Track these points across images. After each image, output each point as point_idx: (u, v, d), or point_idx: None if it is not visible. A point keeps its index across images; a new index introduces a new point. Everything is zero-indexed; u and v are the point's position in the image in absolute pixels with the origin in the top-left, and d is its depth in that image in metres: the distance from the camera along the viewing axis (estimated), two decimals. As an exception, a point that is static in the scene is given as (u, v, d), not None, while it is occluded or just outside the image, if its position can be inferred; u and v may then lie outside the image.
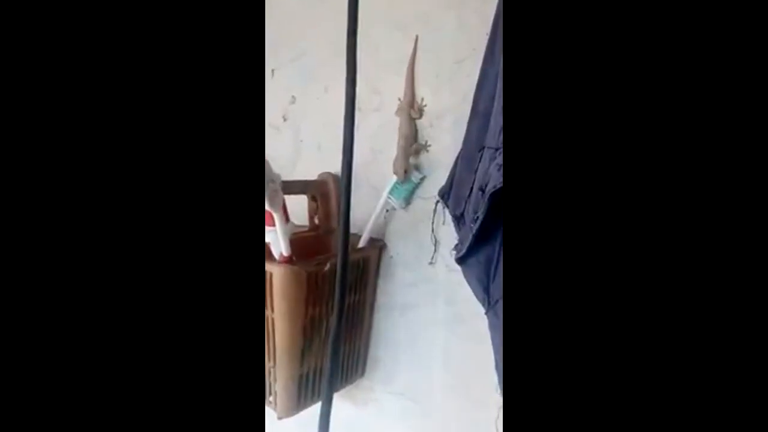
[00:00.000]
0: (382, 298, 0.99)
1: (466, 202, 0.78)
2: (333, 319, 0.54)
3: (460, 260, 0.78)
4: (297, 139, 1.17)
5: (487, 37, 0.72)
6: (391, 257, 0.98)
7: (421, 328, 0.93)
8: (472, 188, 0.75)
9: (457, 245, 0.81)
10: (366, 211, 0.94)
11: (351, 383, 1.05)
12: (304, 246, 0.98)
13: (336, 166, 1.14)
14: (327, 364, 0.48)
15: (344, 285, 0.50)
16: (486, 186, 0.61)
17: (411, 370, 0.96)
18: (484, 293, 0.76)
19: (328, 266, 0.87)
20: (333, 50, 1.06)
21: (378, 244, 1.01)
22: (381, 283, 1.00)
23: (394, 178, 0.89)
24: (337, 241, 0.36)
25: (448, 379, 0.89)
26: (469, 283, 0.80)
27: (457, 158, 0.79)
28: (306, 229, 1.08)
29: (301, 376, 0.89)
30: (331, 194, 1.05)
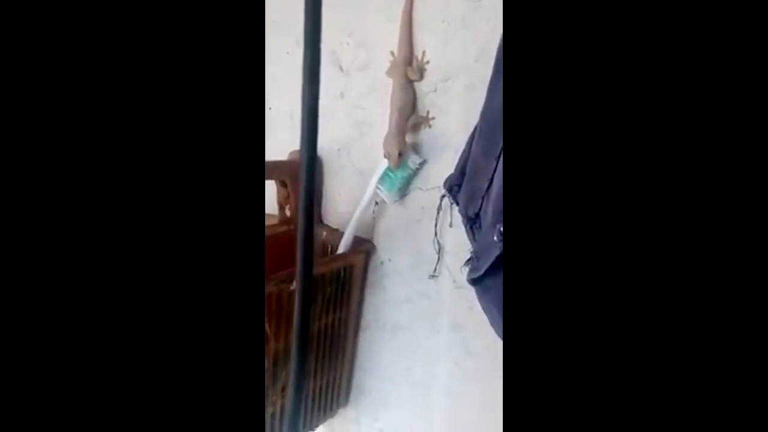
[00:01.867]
0: (369, 314, 0.86)
1: (483, 200, 0.62)
2: (293, 355, 0.38)
3: (476, 281, 0.57)
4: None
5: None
6: (382, 263, 0.81)
7: (418, 355, 0.81)
8: (492, 180, 0.60)
9: (471, 259, 0.63)
10: (352, 202, 0.82)
11: (331, 416, 0.87)
12: (269, 247, 0.76)
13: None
14: (288, 407, 0.36)
15: (305, 314, 0.37)
16: None
17: (403, 405, 0.85)
18: (509, 329, 0.55)
19: (294, 285, 0.65)
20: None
21: (365, 247, 0.81)
22: (369, 295, 0.85)
23: (385, 162, 0.71)
24: (296, 249, 0.28)
25: (450, 422, 0.77)
26: (487, 312, 0.61)
27: (472, 137, 0.64)
28: (274, 222, 0.89)
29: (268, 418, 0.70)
30: None
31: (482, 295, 0.61)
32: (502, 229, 0.51)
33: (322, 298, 0.75)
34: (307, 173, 0.31)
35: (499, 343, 0.62)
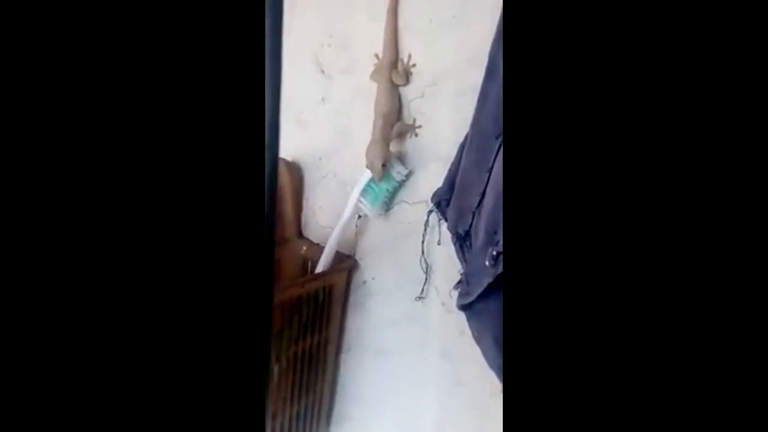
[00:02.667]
0: (351, 336, 0.81)
1: (474, 217, 0.57)
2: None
3: (467, 307, 0.52)
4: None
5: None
6: (365, 282, 0.75)
7: (404, 383, 0.76)
8: (483, 195, 0.55)
9: (461, 282, 0.58)
10: (333, 215, 0.77)
11: (310, 446, 0.80)
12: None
13: (294, 145, 0.85)
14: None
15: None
16: None
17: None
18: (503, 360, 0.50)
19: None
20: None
21: (346, 265, 0.76)
22: (350, 315, 0.80)
23: (368, 174, 0.67)
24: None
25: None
26: (478, 341, 0.56)
27: (462, 147, 0.59)
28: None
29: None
30: (285, 187, 0.85)
31: (474, 321, 0.56)
32: (494, 252, 0.46)
33: (299, 321, 0.69)
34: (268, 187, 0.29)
35: (492, 373, 0.57)
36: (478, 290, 0.49)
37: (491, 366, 0.55)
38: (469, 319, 0.57)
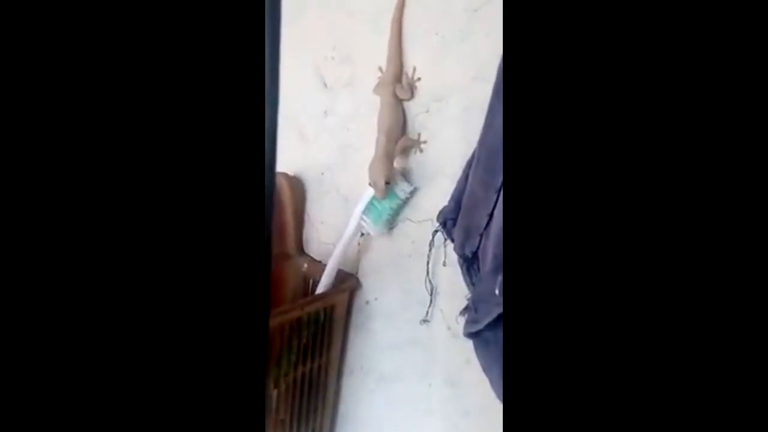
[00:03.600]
0: (354, 359, 0.77)
1: (482, 238, 0.54)
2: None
3: (474, 335, 0.49)
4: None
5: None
6: (367, 303, 0.72)
7: (407, 410, 0.72)
8: (491, 216, 0.52)
9: (467, 307, 0.55)
10: (336, 231, 0.74)
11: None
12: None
13: (296, 159, 0.82)
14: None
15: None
16: None
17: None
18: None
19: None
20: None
21: (348, 284, 0.73)
22: (353, 337, 0.77)
23: (371, 191, 0.64)
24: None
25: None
26: (487, 371, 0.52)
27: (469, 165, 0.57)
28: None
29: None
30: (286, 203, 0.82)
31: (482, 350, 0.52)
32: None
33: (298, 344, 0.66)
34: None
35: (499, 403, 0.54)
36: (487, 319, 0.46)
37: (500, 398, 0.52)
38: (476, 348, 0.53)
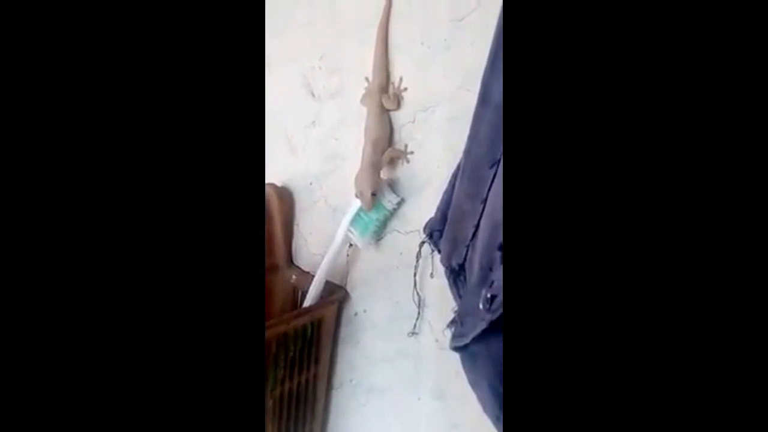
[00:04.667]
0: (342, 371, 0.77)
1: (468, 250, 0.54)
2: None
3: (461, 348, 0.49)
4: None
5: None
6: (356, 314, 0.72)
7: (397, 423, 0.71)
8: (477, 227, 0.52)
9: (454, 321, 0.54)
10: (325, 242, 0.73)
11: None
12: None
13: (285, 169, 0.82)
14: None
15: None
16: None
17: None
18: (500, 411, 0.47)
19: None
20: None
21: (337, 296, 0.72)
22: (341, 349, 0.77)
23: (358, 202, 0.64)
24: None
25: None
26: (475, 386, 0.51)
27: (455, 176, 0.56)
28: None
29: None
30: (274, 214, 0.82)
31: (469, 364, 0.51)
32: (489, 295, 0.42)
33: (285, 358, 0.65)
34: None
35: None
36: (472, 334, 0.45)
37: (488, 415, 0.51)
38: (463, 362, 0.52)
